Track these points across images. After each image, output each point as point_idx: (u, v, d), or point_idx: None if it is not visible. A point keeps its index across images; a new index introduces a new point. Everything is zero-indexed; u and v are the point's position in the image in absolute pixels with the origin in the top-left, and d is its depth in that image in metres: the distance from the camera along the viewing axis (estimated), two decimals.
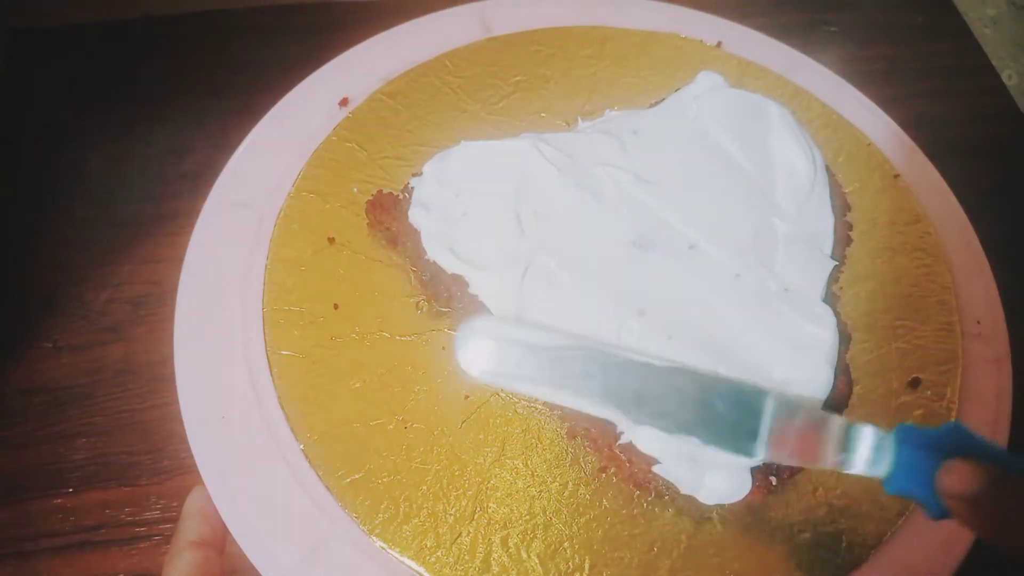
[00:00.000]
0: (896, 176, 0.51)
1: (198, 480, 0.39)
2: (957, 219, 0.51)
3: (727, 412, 0.33)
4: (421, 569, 0.37)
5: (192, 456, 0.39)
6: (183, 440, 0.40)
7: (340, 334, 0.43)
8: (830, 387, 0.40)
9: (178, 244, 0.46)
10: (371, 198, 0.46)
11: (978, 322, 0.46)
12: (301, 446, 0.40)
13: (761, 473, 0.38)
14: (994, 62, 0.67)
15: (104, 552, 0.41)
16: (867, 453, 0.31)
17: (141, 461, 0.43)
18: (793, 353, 0.40)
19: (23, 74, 0.58)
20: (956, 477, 0.27)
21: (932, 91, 0.64)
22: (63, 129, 0.55)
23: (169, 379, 0.41)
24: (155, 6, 0.61)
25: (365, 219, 0.47)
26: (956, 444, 0.29)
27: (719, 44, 0.58)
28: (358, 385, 0.42)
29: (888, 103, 0.56)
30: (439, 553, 0.37)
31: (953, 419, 0.43)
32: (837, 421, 0.32)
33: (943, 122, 0.61)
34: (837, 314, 0.42)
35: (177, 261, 0.45)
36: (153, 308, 0.48)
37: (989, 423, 0.43)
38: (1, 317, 0.47)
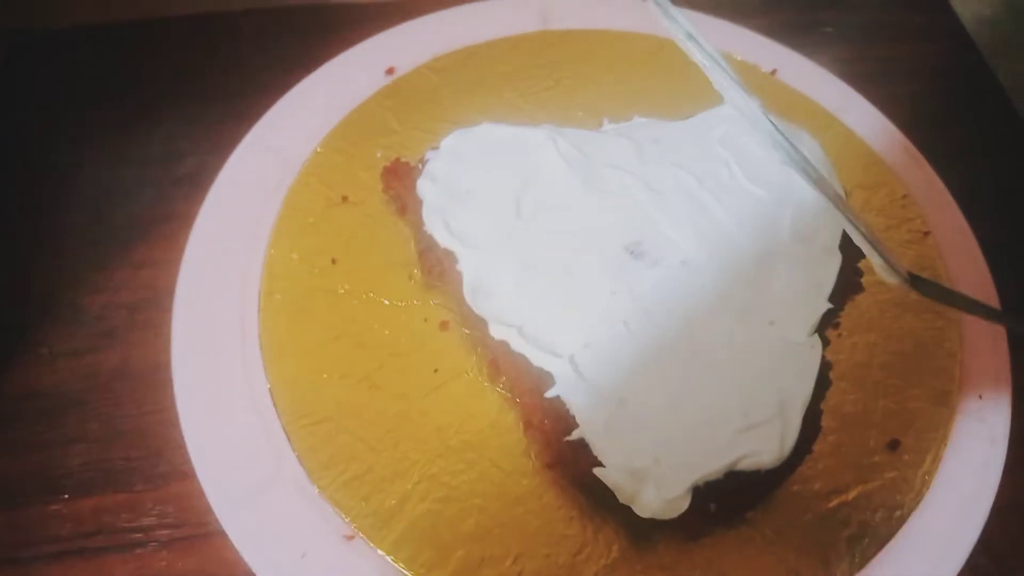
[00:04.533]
0: (926, 233, 0.49)
1: (196, 486, 0.39)
2: (984, 286, 0.48)
3: None
4: (347, 520, 0.37)
5: (190, 463, 0.40)
6: (180, 446, 0.40)
7: (331, 287, 0.45)
8: (797, 427, 0.39)
9: (174, 248, 0.47)
10: (388, 164, 0.48)
11: (980, 396, 0.44)
12: (268, 385, 0.41)
13: (701, 498, 0.37)
14: (990, 63, 0.65)
15: (101, 558, 0.40)
16: None
17: (138, 467, 0.42)
18: (762, 387, 0.39)
19: (20, 75, 0.58)
20: None
21: (928, 91, 0.63)
22: (59, 131, 0.55)
23: (166, 385, 0.42)
24: (153, 8, 0.61)
25: (380, 184, 0.48)
26: None
27: (774, 72, 0.57)
28: (336, 338, 0.43)
29: (884, 103, 0.56)
30: (370, 510, 0.38)
31: (932, 479, 0.41)
32: None
33: (938, 122, 0.59)
34: (823, 359, 0.41)
35: (174, 265, 0.45)
36: (149, 313, 0.47)
37: (968, 502, 0.41)
38: None
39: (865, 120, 0.55)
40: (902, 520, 0.40)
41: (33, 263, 0.49)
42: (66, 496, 0.42)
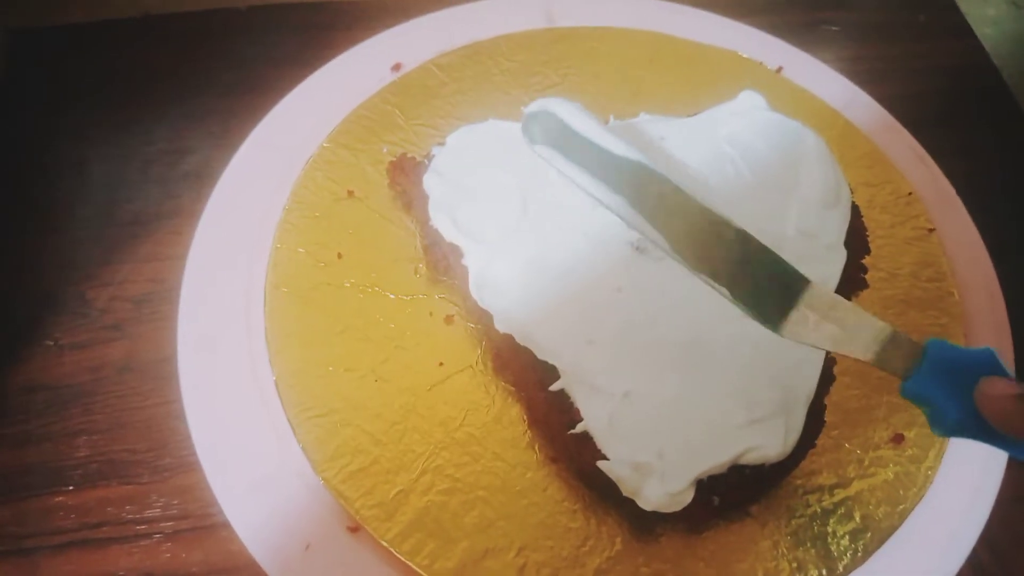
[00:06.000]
0: (931, 230, 0.49)
1: (200, 478, 0.39)
2: (988, 284, 0.48)
3: (763, 278, 0.34)
4: (352, 512, 0.38)
5: (195, 455, 0.40)
6: (185, 438, 0.41)
7: (337, 281, 0.45)
8: (801, 422, 0.39)
9: (179, 243, 0.47)
10: (394, 159, 0.48)
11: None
12: (274, 377, 0.41)
13: (704, 492, 0.37)
14: (995, 62, 0.66)
15: (105, 550, 0.40)
16: (895, 352, 0.31)
17: (142, 459, 0.43)
18: (766, 382, 0.39)
19: (23, 74, 0.58)
20: (1002, 385, 0.29)
21: (933, 89, 0.63)
22: (63, 129, 0.55)
23: (170, 377, 0.43)
24: (155, 5, 0.61)
25: (386, 179, 0.48)
26: (983, 367, 0.30)
27: (779, 69, 0.57)
28: (342, 331, 0.43)
29: (889, 101, 0.56)
30: (374, 502, 0.38)
31: (934, 474, 0.41)
32: (869, 318, 0.32)
33: (943, 120, 0.60)
34: (827, 354, 0.41)
35: (180, 259, 0.46)
36: (155, 306, 0.48)
37: (970, 497, 0.41)
38: (2, 315, 0.47)
39: (870, 117, 0.55)
40: (905, 514, 0.40)
41: (39, 257, 0.50)
42: (71, 488, 0.42)
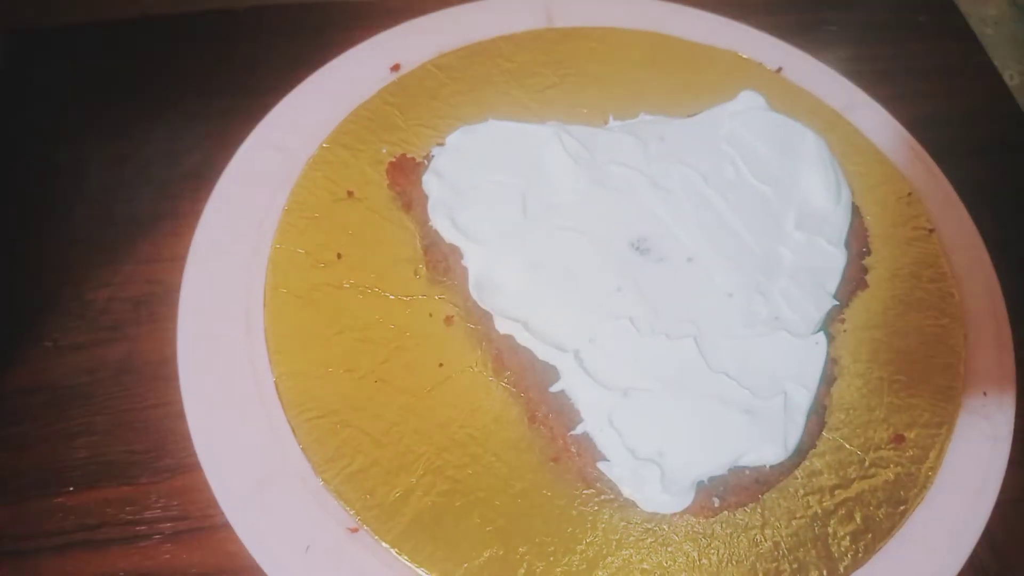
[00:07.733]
0: (931, 230, 0.49)
1: (200, 479, 0.39)
2: (987, 284, 0.48)
3: None
4: (352, 513, 0.38)
5: (194, 456, 0.40)
6: (184, 438, 0.41)
7: (336, 282, 0.45)
8: (802, 423, 0.39)
9: (178, 244, 0.47)
10: (393, 160, 0.48)
11: (984, 394, 0.44)
12: (273, 378, 0.41)
13: (705, 493, 0.37)
14: (995, 62, 0.66)
15: (105, 551, 0.40)
16: None
17: (142, 460, 0.43)
18: (767, 383, 0.39)
19: (23, 74, 0.57)
20: None
21: (933, 91, 0.63)
22: (63, 129, 0.55)
23: (170, 378, 0.42)
24: (155, 6, 0.61)
25: (386, 179, 0.48)
26: None
27: (779, 70, 0.57)
28: (341, 332, 0.43)
29: (889, 101, 0.56)
30: (374, 503, 0.38)
31: (935, 474, 0.41)
32: None
33: (944, 122, 0.60)
34: (827, 355, 0.41)
35: (179, 260, 0.45)
36: (153, 307, 0.47)
37: (971, 498, 0.41)
38: (1, 316, 0.47)
39: (870, 118, 0.55)
40: (905, 515, 0.40)
41: (38, 258, 0.50)
42: (71, 489, 0.42)
